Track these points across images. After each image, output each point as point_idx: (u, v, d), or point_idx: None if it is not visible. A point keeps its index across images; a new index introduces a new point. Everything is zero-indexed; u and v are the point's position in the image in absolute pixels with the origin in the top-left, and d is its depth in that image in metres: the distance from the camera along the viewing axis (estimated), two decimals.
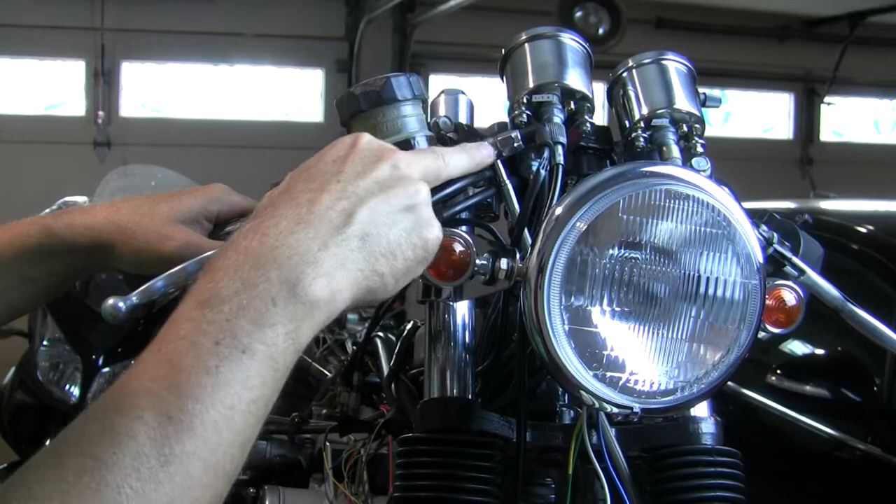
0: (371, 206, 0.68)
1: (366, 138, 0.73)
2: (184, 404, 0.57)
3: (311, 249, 0.64)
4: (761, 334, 0.86)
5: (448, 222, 0.82)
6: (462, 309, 0.95)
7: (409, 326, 1.27)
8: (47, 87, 7.05)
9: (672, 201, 0.78)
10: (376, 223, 0.68)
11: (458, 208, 0.85)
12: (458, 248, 0.79)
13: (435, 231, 0.72)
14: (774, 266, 0.91)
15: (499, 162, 0.86)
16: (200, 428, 0.57)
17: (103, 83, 6.96)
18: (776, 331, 0.89)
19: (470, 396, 0.92)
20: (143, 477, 0.54)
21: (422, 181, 0.72)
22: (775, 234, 0.91)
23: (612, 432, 0.88)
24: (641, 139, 0.93)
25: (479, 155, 0.83)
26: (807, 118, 8.91)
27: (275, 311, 0.61)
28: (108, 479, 0.53)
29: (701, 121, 0.95)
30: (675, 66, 0.96)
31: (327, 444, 1.37)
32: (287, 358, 0.62)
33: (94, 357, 3.06)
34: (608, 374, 0.79)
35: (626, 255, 0.79)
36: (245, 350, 0.59)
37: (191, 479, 0.56)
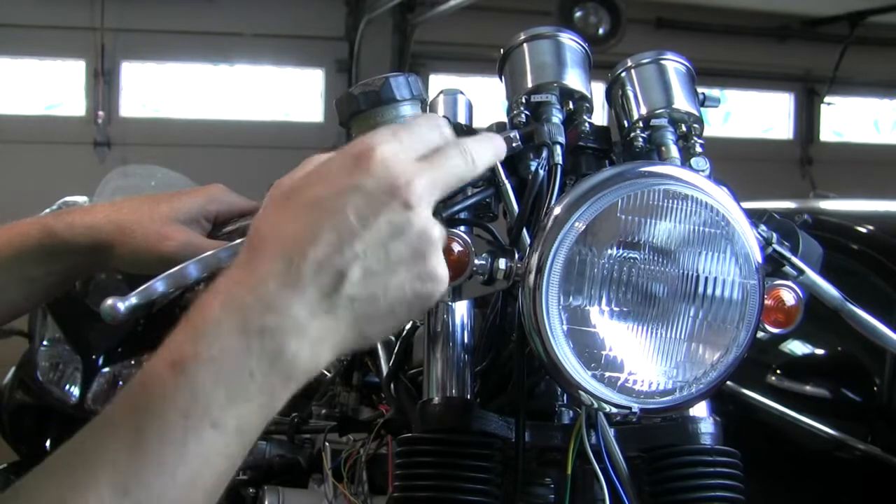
0: (367, 265, 0.60)
1: (379, 157, 0.61)
2: (144, 479, 0.53)
3: (298, 318, 0.58)
4: (760, 334, 0.86)
5: (447, 222, 0.82)
6: (461, 309, 0.95)
7: (408, 326, 1.27)
8: (47, 87, 7.05)
9: (671, 201, 0.78)
10: (371, 284, 0.60)
11: (456, 208, 0.85)
12: (457, 248, 0.79)
13: (440, 283, 0.64)
14: (774, 266, 0.91)
15: (498, 162, 0.86)
16: None
17: (103, 83, 6.96)
18: (775, 331, 0.89)
19: (469, 396, 0.92)
20: None
21: (436, 224, 0.63)
22: (774, 234, 0.91)
23: (610, 432, 0.88)
24: (640, 139, 0.93)
25: (501, 146, 0.73)
26: (807, 118, 8.91)
27: (252, 385, 0.57)
28: None
29: (700, 121, 0.95)
30: (674, 65, 0.96)
31: (327, 444, 1.37)
32: (257, 429, 0.59)
33: (94, 357, 3.06)
34: (607, 374, 0.79)
35: (625, 254, 0.79)
36: (215, 424, 0.56)
37: None
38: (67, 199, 2.71)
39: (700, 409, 0.93)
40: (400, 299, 0.62)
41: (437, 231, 0.63)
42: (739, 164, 5.04)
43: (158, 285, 0.72)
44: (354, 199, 0.60)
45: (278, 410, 0.60)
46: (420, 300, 0.63)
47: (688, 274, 0.79)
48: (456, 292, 0.83)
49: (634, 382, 0.79)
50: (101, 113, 6.97)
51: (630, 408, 0.79)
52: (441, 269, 0.64)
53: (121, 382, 3.06)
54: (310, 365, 0.59)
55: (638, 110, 0.94)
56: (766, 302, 0.86)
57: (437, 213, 0.81)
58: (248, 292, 0.58)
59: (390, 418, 1.20)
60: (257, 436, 0.59)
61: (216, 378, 0.56)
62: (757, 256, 0.80)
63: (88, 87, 7.04)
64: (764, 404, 2.76)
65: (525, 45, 0.96)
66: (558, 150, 0.87)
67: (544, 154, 0.87)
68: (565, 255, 0.77)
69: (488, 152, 0.70)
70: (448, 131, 0.68)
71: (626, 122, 0.96)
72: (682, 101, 0.94)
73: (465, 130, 0.92)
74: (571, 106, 0.94)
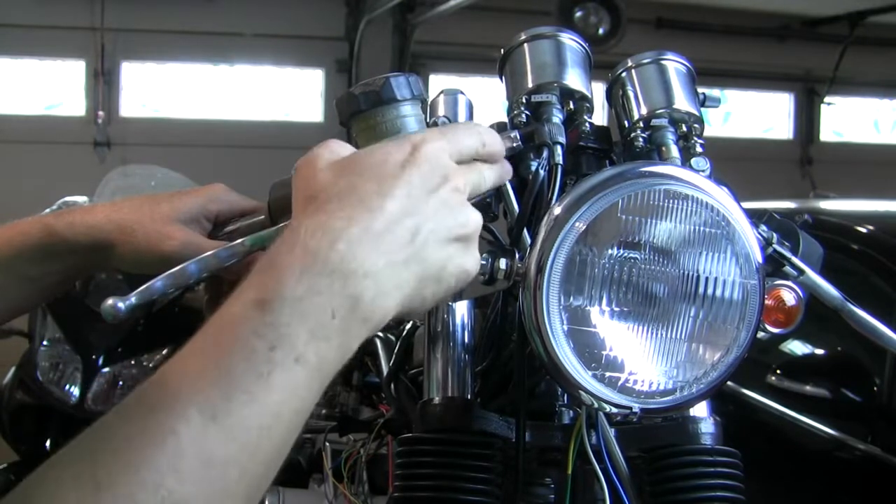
0: (432, 227, 0.66)
1: (431, 147, 0.69)
2: (231, 408, 0.55)
3: (377, 265, 0.62)
4: (761, 334, 0.86)
5: None
6: (461, 309, 0.95)
7: (408, 326, 1.27)
8: (47, 87, 7.05)
9: (671, 201, 0.78)
10: (433, 247, 0.66)
11: None
12: None
13: (478, 264, 0.71)
14: (774, 266, 0.91)
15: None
16: (244, 434, 0.55)
17: (103, 83, 6.96)
18: (776, 331, 0.89)
19: (469, 396, 0.92)
20: (182, 478, 0.52)
21: (475, 209, 0.71)
22: (775, 234, 0.91)
23: (611, 432, 0.88)
24: (640, 139, 0.93)
25: (506, 171, 0.80)
26: (807, 118, 8.91)
27: (332, 324, 0.60)
28: (147, 480, 0.51)
29: (700, 121, 0.95)
30: (675, 66, 0.96)
31: (327, 444, 1.38)
32: (333, 370, 0.61)
33: (94, 357, 3.06)
34: (607, 374, 0.79)
35: (625, 254, 0.79)
36: (298, 359, 0.58)
37: (227, 483, 0.54)
38: (67, 199, 2.71)
39: (700, 409, 0.93)
40: (452, 268, 0.68)
41: (478, 218, 0.70)
42: (739, 164, 5.04)
43: (159, 285, 0.72)
44: (417, 174, 0.66)
45: (353, 353, 0.62)
46: (463, 274, 0.69)
47: (688, 274, 0.79)
48: (456, 292, 0.83)
49: (635, 382, 0.79)
50: (101, 113, 6.98)
51: (630, 408, 0.79)
52: (477, 253, 0.71)
53: (121, 382, 3.06)
54: (382, 311, 0.63)
55: (638, 110, 0.94)
56: (767, 302, 0.86)
57: None
58: (329, 238, 0.62)
59: (390, 418, 1.20)
60: (332, 377, 0.62)
61: (301, 316, 0.59)
62: (757, 256, 0.80)
63: (88, 87, 7.04)
64: (764, 404, 2.76)
65: (525, 45, 0.96)
66: (559, 150, 0.87)
67: (545, 154, 0.87)
68: (566, 255, 0.77)
69: (495, 175, 0.76)
70: (487, 137, 0.74)
71: (626, 122, 0.96)
72: (682, 102, 0.94)
73: None
74: (572, 106, 0.94)
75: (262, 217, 0.94)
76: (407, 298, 0.65)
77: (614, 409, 0.80)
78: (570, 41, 0.96)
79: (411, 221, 0.65)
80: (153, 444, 0.52)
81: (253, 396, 0.56)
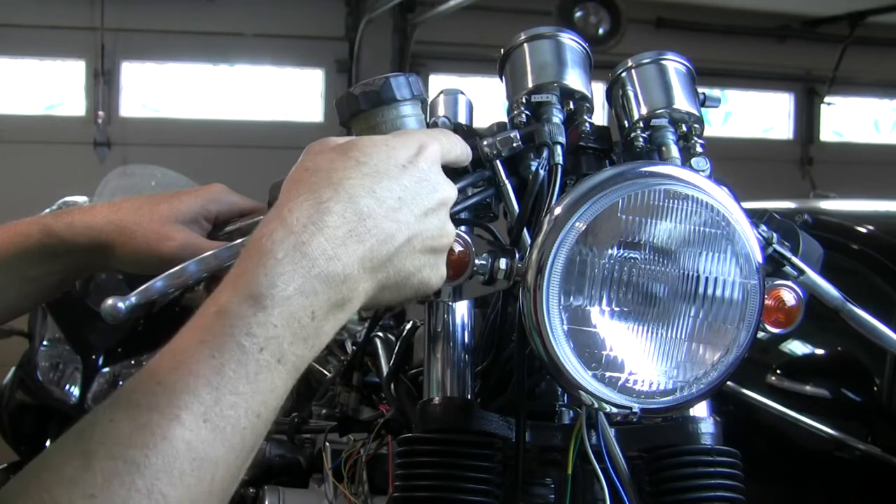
0: (414, 245, 0.69)
1: (432, 152, 0.72)
2: (221, 410, 0.56)
3: (354, 269, 0.64)
4: (761, 334, 0.86)
5: None
6: (461, 309, 0.95)
7: (408, 326, 1.27)
8: (47, 87, 7.05)
9: (671, 201, 0.78)
10: (406, 257, 0.69)
11: (457, 208, 0.85)
12: (458, 248, 0.79)
13: (442, 280, 0.74)
14: (774, 266, 0.91)
15: (498, 162, 0.86)
16: (232, 434, 0.56)
17: (103, 83, 6.96)
18: (776, 331, 0.89)
19: (469, 396, 0.92)
20: (173, 482, 0.53)
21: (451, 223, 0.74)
22: (775, 234, 0.91)
23: (611, 432, 0.88)
24: (641, 139, 0.93)
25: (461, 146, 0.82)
26: (807, 118, 8.91)
27: (311, 326, 0.61)
28: (139, 484, 0.51)
29: (700, 121, 0.95)
30: (675, 66, 0.96)
31: (327, 444, 1.37)
32: (303, 367, 0.62)
33: (94, 357, 3.06)
34: (607, 374, 0.79)
35: (626, 254, 0.79)
36: (281, 360, 0.59)
37: (213, 483, 0.55)
38: (67, 199, 2.71)
39: (700, 409, 0.93)
40: (416, 280, 0.71)
41: (454, 232, 0.74)
42: (739, 164, 5.05)
43: (159, 285, 0.72)
44: (414, 181, 0.69)
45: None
46: (425, 287, 0.72)
47: (688, 274, 0.79)
48: (456, 292, 0.83)
49: (635, 382, 0.79)
50: (101, 113, 6.97)
51: (630, 408, 0.79)
52: (444, 268, 0.74)
53: (121, 382, 3.06)
54: (351, 313, 0.65)
55: (638, 110, 0.94)
56: (767, 302, 0.86)
57: None
58: (320, 239, 0.63)
59: (390, 418, 1.20)
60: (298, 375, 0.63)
61: (289, 316, 0.60)
62: (757, 256, 0.80)
63: (88, 87, 7.04)
64: (764, 404, 2.76)
65: (526, 45, 0.96)
66: (559, 150, 0.87)
67: (545, 154, 0.87)
68: (566, 255, 0.77)
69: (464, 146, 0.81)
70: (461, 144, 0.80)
71: (626, 122, 0.96)
72: (682, 102, 0.94)
73: (465, 131, 0.92)
74: (572, 106, 0.94)
75: (262, 217, 0.94)
76: (368, 300, 0.67)
77: (614, 409, 0.80)
78: (570, 41, 0.96)
79: (395, 235, 0.67)
80: (147, 450, 0.53)
81: (241, 397, 0.57)
